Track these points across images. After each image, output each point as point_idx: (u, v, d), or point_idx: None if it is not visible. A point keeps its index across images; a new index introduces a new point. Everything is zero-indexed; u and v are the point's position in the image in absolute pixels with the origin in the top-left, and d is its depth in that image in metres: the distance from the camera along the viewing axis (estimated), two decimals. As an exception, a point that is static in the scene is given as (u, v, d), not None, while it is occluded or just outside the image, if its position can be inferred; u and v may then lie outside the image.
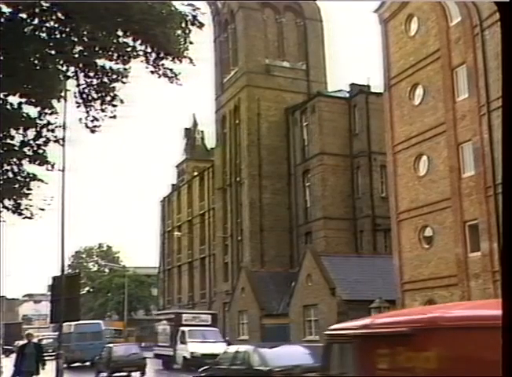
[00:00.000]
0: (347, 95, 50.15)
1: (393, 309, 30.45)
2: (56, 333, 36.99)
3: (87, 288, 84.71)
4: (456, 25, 30.32)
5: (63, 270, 23.50)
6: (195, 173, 70.29)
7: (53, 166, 12.88)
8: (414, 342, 5.99)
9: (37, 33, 10.47)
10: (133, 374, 32.00)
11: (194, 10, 10.95)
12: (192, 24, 10.91)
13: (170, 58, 11.01)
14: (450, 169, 30.08)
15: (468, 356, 5.60)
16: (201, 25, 11.05)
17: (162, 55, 11.00)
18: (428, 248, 31.08)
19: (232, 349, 21.81)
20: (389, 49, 34.90)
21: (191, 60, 10.98)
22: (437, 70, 31.44)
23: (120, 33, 10.79)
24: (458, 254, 28.92)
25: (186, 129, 78.56)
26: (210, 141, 69.97)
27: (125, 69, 11.44)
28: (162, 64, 11.11)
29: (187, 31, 10.90)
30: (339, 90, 52.38)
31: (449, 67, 30.65)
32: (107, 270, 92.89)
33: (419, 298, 30.56)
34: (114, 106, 11.60)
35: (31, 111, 11.77)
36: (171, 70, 11.19)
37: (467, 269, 28.28)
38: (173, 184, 77.34)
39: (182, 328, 36.79)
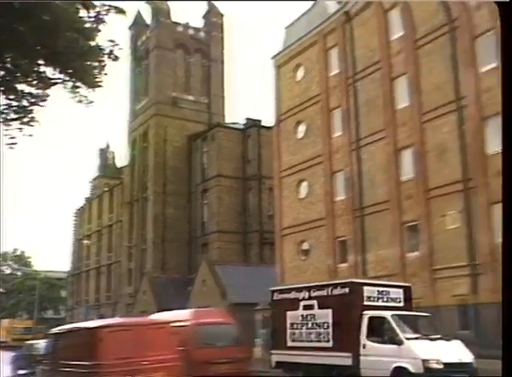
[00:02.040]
0: (242, 127, 51.25)
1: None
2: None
3: (0, 289, 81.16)
4: (335, 75, 31.86)
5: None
6: (106, 189, 69.40)
7: None
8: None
9: None
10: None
11: (113, 46, 11.25)
12: (109, 58, 11.19)
13: (86, 87, 11.25)
14: (325, 193, 31.29)
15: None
16: (116, 58, 11.33)
17: (78, 84, 11.22)
18: (305, 259, 32.09)
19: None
20: (279, 90, 36.02)
21: (103, 87, 11.22)
22: (317, 111, 32.69)
23: (41, 62, 10.82)
24: (329, 265, 30.08)
25: (100, 149, 77.54)
26: (121, 161, 69.42)
27: (43, 94, 11.39)
28: (78, 92, 11.30)
29: (103, 64, 11.17)
30: (236, 123, 53.35)
31: (327, 109, 32.04)
32: (19, 273, 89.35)
33: (296, 302, 31.36)
34: (31, 126, 11.46)
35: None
36: (86, 97, 11.41)
37: (336, 277, 29.23)
38: (86, 198, 75.86)
39: (374, 313, 15.78)
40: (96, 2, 10.89)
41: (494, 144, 22.99)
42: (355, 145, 29.80)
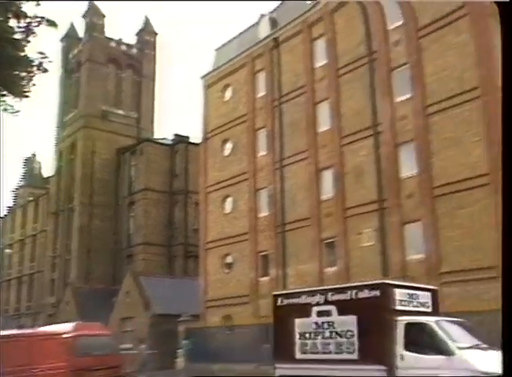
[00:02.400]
0: (171, 142, 51.18)
1: (198, 322, 31.62)
2: None
3: None
4: (261, 97, 32.50)
5: None
6: (31, 198, 67.29)
7: None
8: None
9: None
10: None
11: (42, 58, 11.11)
12: (38, 69, 11.05)
13: (13, 96, 11.07)
14: (249, 209, 31.72)
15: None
16: (45, 70, 11.21)
17: (5, 92, 11.03)
18: (228, 272, 32.28)
19: None
20: (208, 109, 36.28)
21: (30, 97, 11.07)
22: (243, 130, 33.17)
23: None
24: (251, 278, 30.42)
25: (26, 159, 75.19)
26: (48, 171, 67.51)
27: None
28: (4, 101, 11.13)
29: (31, 75, 11.02)
30: (164, 138, 53.21)
31: (253, 129, 32.60)
32: None
33: (219, 313, 31.49)
34: None
35: None
36: (12, 106, 11.22)
37: (258, 290, 29.75)
38: (9, 207, 73.18)
39: (412, 319, 13.66)
40: (29, 13, 10.74)
41: (406, 169, 24.24)
42: (278, 164, 30.45)
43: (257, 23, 34.36)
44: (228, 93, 34.97)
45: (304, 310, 14.81)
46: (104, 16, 55.40)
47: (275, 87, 31.61)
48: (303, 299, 15.17)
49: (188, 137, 50.24)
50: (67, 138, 54.93)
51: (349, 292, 14.16)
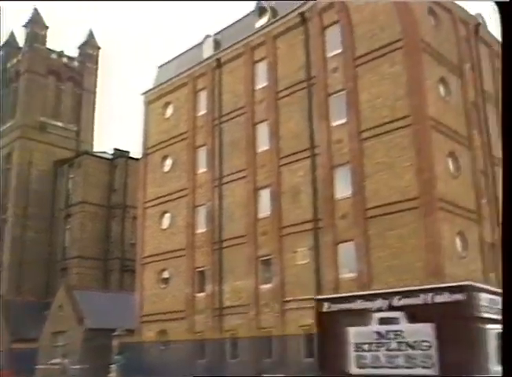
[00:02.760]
0: (110, 157, 50.11)
1: (132, 337, 30.81)
2: None
3: None
4: (202, 116, 32.33)
5: None
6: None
7: None
8: None
9: None
10: None
11: None
12: None
13: None
14: (187, 225, 31.30)
15: None
16: None
17: None
18: (164, 287, 31.61)
19: None
20: (148, 125, 35.75)
21: None
22: (183, 147, 32.81)
23: None
24: (187, 294, 29.90)
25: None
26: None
27: None
28: None
29: None
30: (104, 152, 52.03)
31: (193, 146, 32.32)
32: None
33: (154, 328, 30.80)
34: None
35: None
36: None
37: (193, 306, 29.34)
38: None
39: None
40: None
41: (341, 191, 24.58)
42: (217, 182, 30.29)
43: (201, 44, 34.27)
44: (170, 111, 34.61)
45: (360, 317, 12.76)
46: (46, 27, 53.94)
47: (216, 106, 31.55)
48: (358, 304, 13.24)
49: (128, 152, 49.35)
50: (3, 148, 52.83)
51: (422, 296, 12.01)
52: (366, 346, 12.44)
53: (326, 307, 14.27)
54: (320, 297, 14.98)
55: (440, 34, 25.76)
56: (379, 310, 12.52)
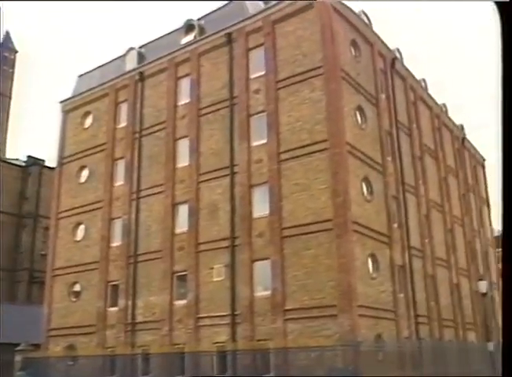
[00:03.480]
0: (23, 164, 47.53)
1: (38, 352, 29.03)
2: None
3: None
4: (122, 128, 31.33)
5: None
6: None
7: None
8: None
9: None
10: None
11: None
12: None
13: None
14: (102, 238, 30.03)
15: None
16: None
17: None
18: (75, 301, 30.08)
19: None
20: (65, 134, 34.22)
21: None
22: (102, 158, 31.61)
23: None
24: (99, 308, 28.59)
25: None
26: None
27: None
28: None
29: None
30: (16, 159, 49.41)
31: (112, 158, 31.19)
32: None
33: (62, 343, 29.15)
34: None
35: None
36: None
37: (105, 321, 28.06)
38: None
39: None
40: None
41: (259, 209, 24.39)
42: (135, 195, 29.32)
43: (124, 56, 33.31)
44: (89, 121, 33.32)
45: None
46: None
47: (137, 119, 30.65)
48: None
49: (43, 160, 47.02)
50: None
51: None
52: None
53: None
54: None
55: (360, 64, 26.38)
56: None
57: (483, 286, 28.98)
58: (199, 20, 30.59)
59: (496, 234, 51.45)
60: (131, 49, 33.07)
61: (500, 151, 3.74)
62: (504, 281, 3.74)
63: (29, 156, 47.98)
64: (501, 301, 3.57)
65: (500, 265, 52.65)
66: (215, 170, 26.36)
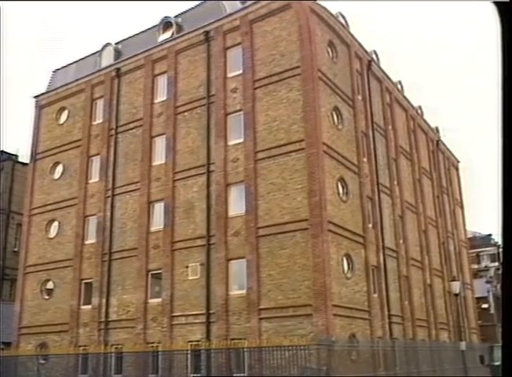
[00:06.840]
0: (-5, 159, 46.84)
1: (8, 350, 28.79)
2: None
3: None
4: (98, 124, 31.20)
5: None
6: None
7: None
8: None
9: None
10: None
11: None
12: None
13: None
14: (76, 235, 29.89)
15: None
16: None
17: None
18: (48, 299, 29.91)
19: None
20: (39, 129, 33.93)
21: None
22: (76, 155, 31.45)
23: None
24: (72, 306, 28.46)
25: None
26: None
27: None
28: None
29: None
30: (-12, 154, 48.66)
31: (87, 154, 31.06)
32: None
33: (34, 342, 28.92)
34: None
35: None
36: None
37: (78, 319, 27.94)
38: None
39: None
40: None
41: (235, 208, 24.53)
42: (110, 193, 29.23)
43: (100, 51, 33.11)
44: (64, 116, 33.09)
45: None
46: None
47: (113, 116, 30.53)
48: None
49: (16, 156, 46.33)
50: None
51: None
52: None
53: None
54: None
55: (337, 65, 26.67)
56: None
57: (456, 286, 29.52)
58: (176, 17, 30.60)
59: (470, 235, 52.40)
60: (107, 44, 32.91)
61: (500, 151, 3.69)
62: (504, 281, 3.80)
63: (1, 151, 47.28)
64: (501, 301, 3.67)
65: (473, 266, 53.55)
66: (191, 169, 26.43)
